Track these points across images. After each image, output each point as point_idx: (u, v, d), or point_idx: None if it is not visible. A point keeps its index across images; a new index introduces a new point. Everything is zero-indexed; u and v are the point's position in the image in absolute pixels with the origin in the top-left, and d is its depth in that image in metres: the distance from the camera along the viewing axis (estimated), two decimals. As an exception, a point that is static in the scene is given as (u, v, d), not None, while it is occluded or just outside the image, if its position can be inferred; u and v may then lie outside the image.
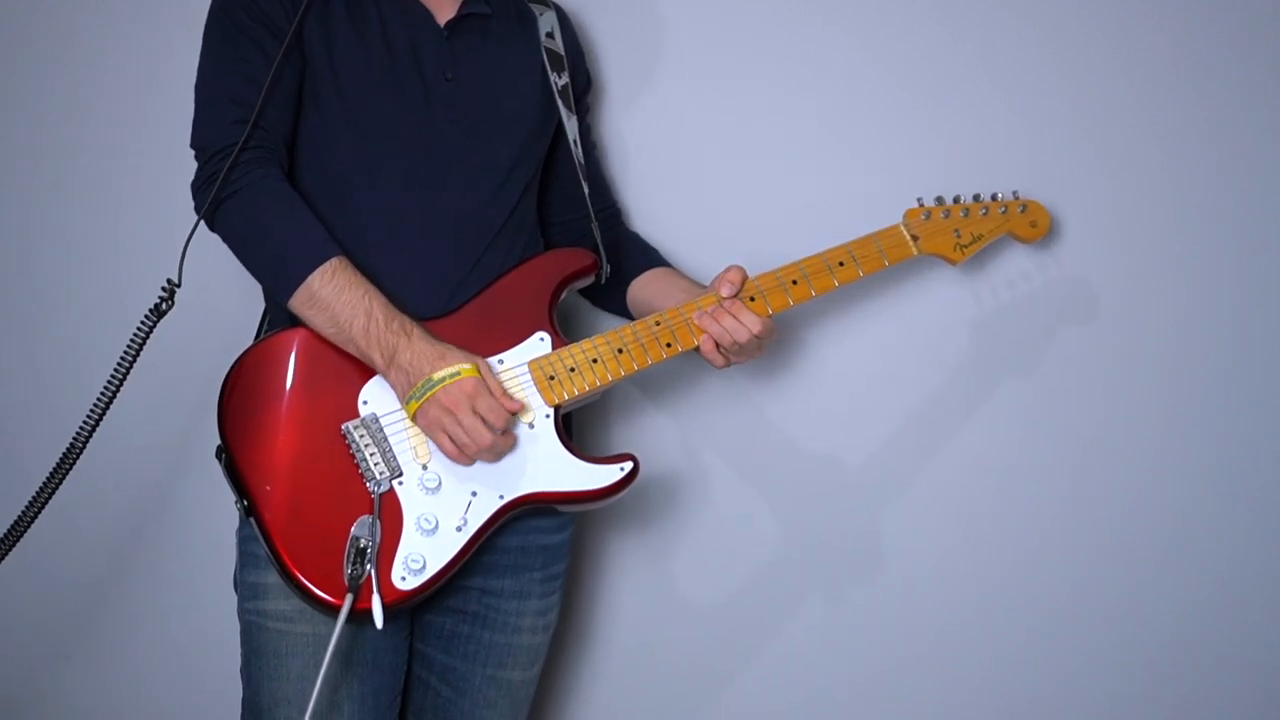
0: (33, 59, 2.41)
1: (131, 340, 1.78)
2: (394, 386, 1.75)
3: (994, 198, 1.96)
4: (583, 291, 2.00)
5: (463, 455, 1.74)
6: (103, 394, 1.79)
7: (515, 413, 1.76)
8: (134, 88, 2.37)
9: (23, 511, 1.82)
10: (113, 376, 1.79)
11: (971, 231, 1.96)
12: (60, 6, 2.40)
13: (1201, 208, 1.99)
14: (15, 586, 2.36)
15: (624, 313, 2.04)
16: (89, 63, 2.39)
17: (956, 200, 1.96)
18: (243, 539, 1.84)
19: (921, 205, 1.94)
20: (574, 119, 1.99)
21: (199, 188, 1.79)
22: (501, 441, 1.75)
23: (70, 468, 1.81)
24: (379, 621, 1.69)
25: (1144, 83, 2.00)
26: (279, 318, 1.85)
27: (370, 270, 1.77)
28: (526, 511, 1.80)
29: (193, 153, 1.82)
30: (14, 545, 1.82)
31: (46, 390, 2.44)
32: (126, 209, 2.39)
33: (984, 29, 2.05)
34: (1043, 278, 2.05)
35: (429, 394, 1.71)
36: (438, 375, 1.71)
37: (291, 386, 1.77)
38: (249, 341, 1.86)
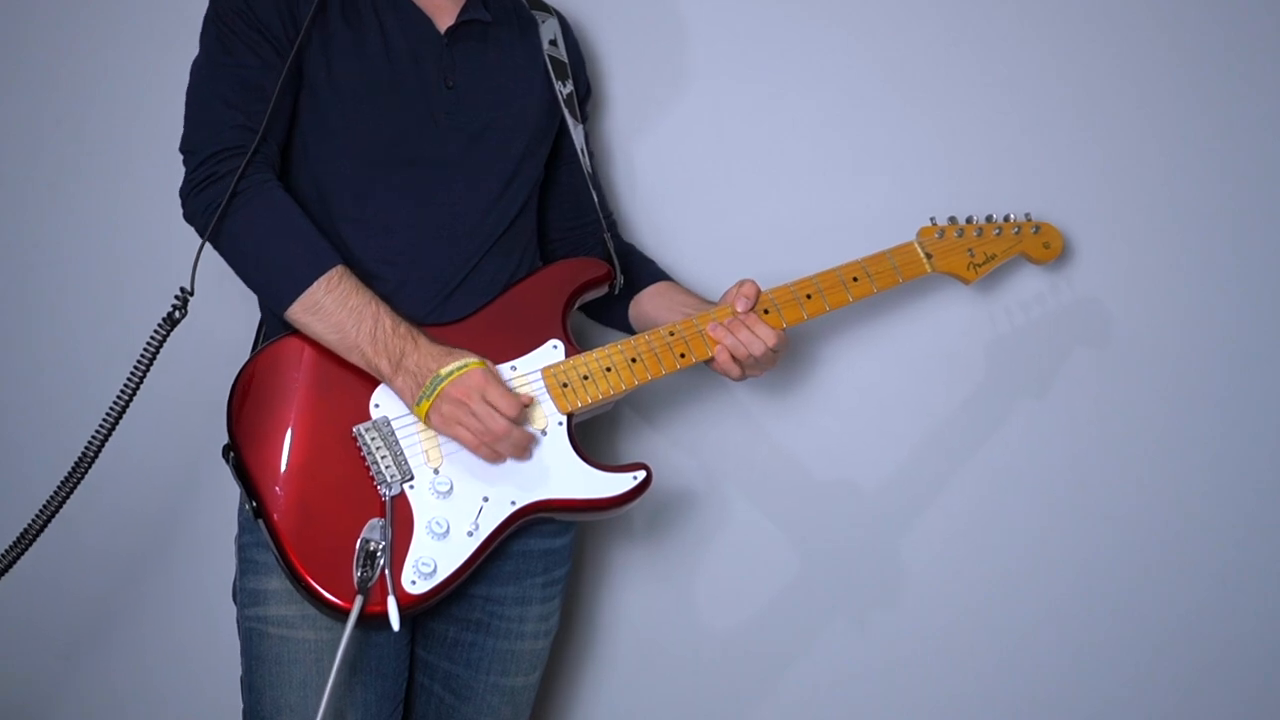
0: (32, 58, 2.40)
1: (145, 349, 1.74)
2: (401, 392, 1.73)
3: (1006, 218, 1.96)
4: (582, 306, 1.97)
5: (484, 447, 1.72)
6: (115, 403, 1.74)
7: (526, 406, 1.74)
8: (134, 88, 2.35)
9: (31, 522, 1.77)
10: (126, 385, 1.74)
11: (985, 251, 1.96)
12: (60, 6, 2.39)
13: (1214, 224, 2.00)
14: (20, 594, 2.31)
15: (624, 326, 2.01)
16: (89, 62, 2.37)
17: (970, 220, 1.96)
18: (242, 546, 1.82)
19: (935, 224, 1.95)
20: (580, 127, 1.98)
21: (189, 192, 1.75)
22: (520, 434, 1.72)
23: (82, 477, 1.75)
24: (395, 624, 1.66)
25: (1155, 97, 2.01)
26: (276, 328, 1.82)
27: (365, 276, 1.76)
28: (536, 519, 1.78)
29: (181, 157, 1.77)
30: (22, 555, 1.78)
31: (47, 396, 2.41)
32: (125, 211, 2.37)
33: (996, 45, 2.05)
34: (1055, 300, 2.05)
35: (438, 390, 1.69)
36: (444, 370, 1.70)
37: (303, 388, 1.75)
38: (246, 353, 1.84)
